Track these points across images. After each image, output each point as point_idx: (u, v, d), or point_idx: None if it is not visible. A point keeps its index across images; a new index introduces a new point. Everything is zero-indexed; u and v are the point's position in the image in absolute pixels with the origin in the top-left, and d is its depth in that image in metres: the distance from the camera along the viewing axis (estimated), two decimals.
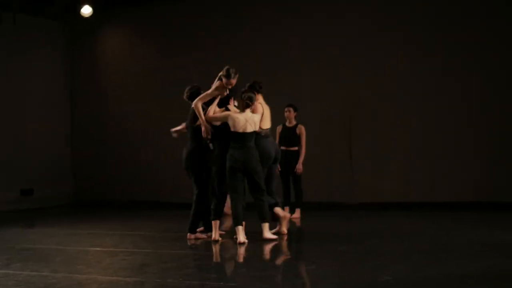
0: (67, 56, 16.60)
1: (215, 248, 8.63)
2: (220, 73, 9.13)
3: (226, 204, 9.26)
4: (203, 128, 8.99)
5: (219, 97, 9.11)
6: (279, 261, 7.86)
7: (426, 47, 13.06)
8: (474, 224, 10.29)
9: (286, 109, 11.75)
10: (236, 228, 8.78)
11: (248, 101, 8.95)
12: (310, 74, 13.91)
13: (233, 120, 8.87)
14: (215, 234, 8.98)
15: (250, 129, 8.89)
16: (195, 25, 15.14)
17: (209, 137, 9.04)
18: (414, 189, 13.05)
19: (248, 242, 8.69)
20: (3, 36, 14.94)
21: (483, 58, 12.67)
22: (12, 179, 14.96)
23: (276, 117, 12.02)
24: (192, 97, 9.28)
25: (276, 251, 8.49)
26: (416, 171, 13.07)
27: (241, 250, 8.42)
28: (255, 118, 9.00)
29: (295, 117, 11.77)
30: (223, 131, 8.98)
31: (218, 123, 9.08)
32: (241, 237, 8.69)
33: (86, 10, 15.37)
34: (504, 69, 12.55)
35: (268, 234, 8.94)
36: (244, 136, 8.87)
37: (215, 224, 9.04)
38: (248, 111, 8.97)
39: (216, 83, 9.13)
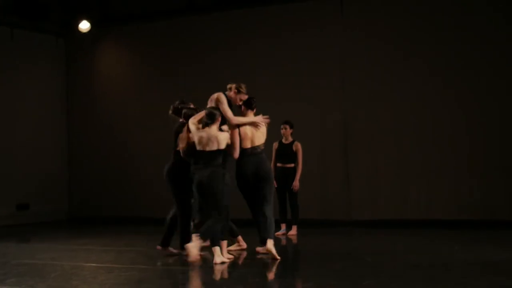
0: (64, 71, 16.60)
1: (209, 265, 8.60)
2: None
3: None
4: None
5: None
6: (276, 279, 7.84)
7: (427, 61, 13.02)
8: (471, 242, 10.26)
9: (282, 126, 11.77)
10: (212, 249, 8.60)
11: (207, 120, 8.68)
12: (304, 89, 13.89)
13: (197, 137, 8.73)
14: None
15: (213, 147, 8.63)
16: (192, 41, 15.16)
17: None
18: (410, 206, 13.01)
19: (245, 260, 8.67)
20: (1, 51, 14.97)
21: (483, 72, 12.65)
22: (8, 193, 14.93)
23: (273, 133, 12.10)
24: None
25: (272, 268, 8.46)
26: (413, 189, 13.04)
27: (237, 268, 8.40)
28: (220, 136, 8.67)
29: (291, 134, 11.80)
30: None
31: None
32: (217, 258, 8.50)
33: (84, 26, 15.42)
34: (504, 82, 12.55)
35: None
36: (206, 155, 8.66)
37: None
38: (213, 127, 8.69)
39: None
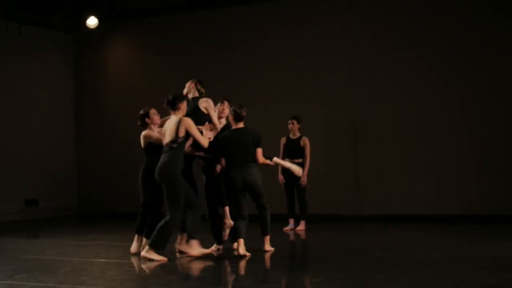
0: (72, 66, 16.64)
1: (220, 260, 8.61)
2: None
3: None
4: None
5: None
6: (284, 273, 7.84)
7: (434, 61, 13.03)
8: (480, 237, 10.23)
9: (289, 121, 11.75)
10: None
11: None
12: (313, 84, 13.89)
13: None
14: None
15: None
16: (199, 37, 15.16)
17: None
18: (419, 201, 13.00)
19: (253, 256, 8.68)
20: (9, 47, 15.00)
21: (483, 72, 12.65)
22: (17, 189, 14.96)
23: (281, 129, 12.09)
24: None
25: (280, 263, 8.47)
26: (422, 183, 13.03)
27: (245, 262, 8.41)
28: None
29: (299, 129, 11.77)
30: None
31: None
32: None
33: (92, 21, 15.44)
34: (504, 82, 12.54)
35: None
36: None
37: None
38: None
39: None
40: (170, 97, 8.61)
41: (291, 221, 11.76)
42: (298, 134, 11.76)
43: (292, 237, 11.09)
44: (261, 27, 14.54)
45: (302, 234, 11.29)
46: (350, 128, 13.62)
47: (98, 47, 16.42)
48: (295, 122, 11.75)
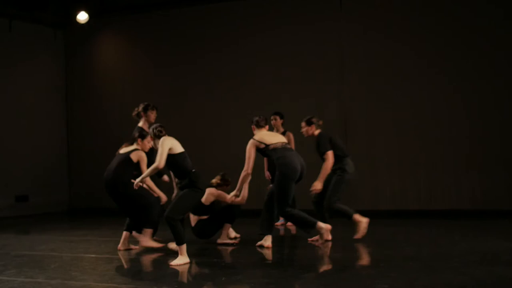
0: (62, 62, 16.60)
1: (211, 255, 8.61)
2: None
3: None
4: None
5: None
6: (275, 268, 7.84)
7: (425, 55, 13.05)
8: (471, 232, 10.23)
9: (272, 117, 11.63)
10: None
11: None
12: (311, 83, 13.88)
13: None
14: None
15: None
16: (191, 33, 15.13)
17: None
18: (410, 197, 13.02)
19: (244, 249, 8.68)
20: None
21: (481, 68, 12.67)
22: (7, 185, 14.93)
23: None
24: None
25: (271, 258, 8.47)
26: (412, 179, 13.05)
27: (237, 257, 8.41)
28: None
29: (282, 124, 11.71)
30: None
31: None
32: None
33: (82, 17, 15.36)
34: (503, 78, 12.56)
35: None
36: None
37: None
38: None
39: None
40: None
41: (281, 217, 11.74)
42: (282, 130, 11.69)
43: (282, 232, 11.09)
44: (260, 25, 14.48)
45: (293, 229, 11.28)
46: (348, 127, 13.60)
47: (89, 43, 16.37)
48: (277, 117, 11.66)
